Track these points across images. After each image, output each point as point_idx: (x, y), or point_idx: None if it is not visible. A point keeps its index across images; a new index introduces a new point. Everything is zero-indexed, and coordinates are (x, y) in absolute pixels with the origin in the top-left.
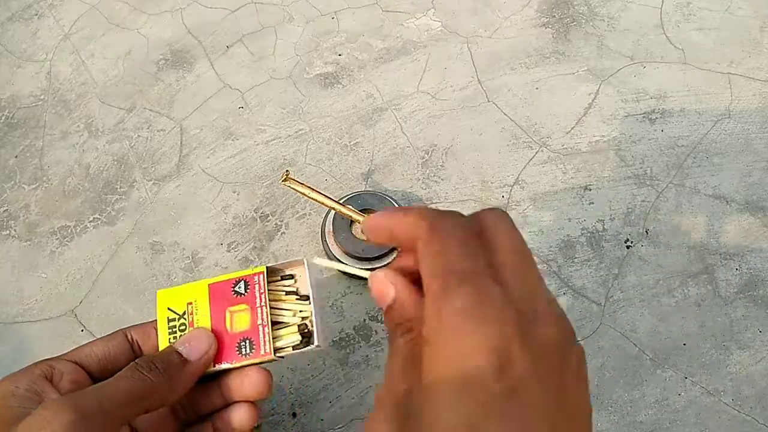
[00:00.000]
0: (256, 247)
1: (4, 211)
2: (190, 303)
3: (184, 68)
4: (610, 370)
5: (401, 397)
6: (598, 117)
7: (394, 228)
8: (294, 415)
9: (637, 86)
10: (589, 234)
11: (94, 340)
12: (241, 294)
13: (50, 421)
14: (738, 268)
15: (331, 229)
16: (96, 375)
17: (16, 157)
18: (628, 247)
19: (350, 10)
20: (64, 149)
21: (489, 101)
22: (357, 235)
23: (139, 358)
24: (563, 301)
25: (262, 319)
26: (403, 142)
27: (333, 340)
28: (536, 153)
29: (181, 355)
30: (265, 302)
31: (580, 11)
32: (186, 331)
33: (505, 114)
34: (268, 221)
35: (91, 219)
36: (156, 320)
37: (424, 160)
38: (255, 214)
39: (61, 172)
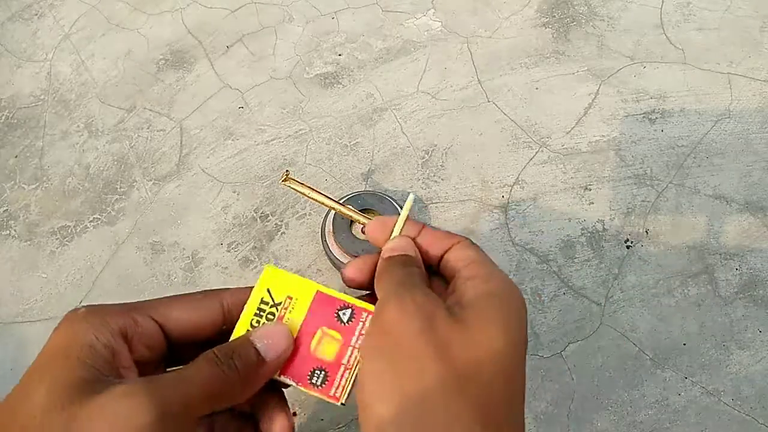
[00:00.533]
0: (256, 247)
1: (4, 211)
2: (291, 298)
3: (184, 68)
4: (609, 370)
5: (441, 302)
6: (598, 117)
7: (421, 239)
8: (294, 414)
9: (637, 86)
10: (589, 234)
11: (184, 297)
12: (342, 322)
13: (131, 415)
14: (738, 268)
15: (331, 229)
16: (173, 340)
17: (16, 157)
18: (628, 247)
19: (350, 10)
20: (64, 149)
21: (489, 101)
22: (357, 235)
23: (217, 347)
24: (563, 301)
25: (349, 361)
26: (403, 142)
27: None
28: (536, 153)
29: (259, 353)
30: (357, 348)
31: (580, 11)
32: (271, 323)
33: (505, 114)
34: (268, 221)
35: (91, 219)
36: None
37: (424, 160)
38: (255, 214)
39: (61, 172)
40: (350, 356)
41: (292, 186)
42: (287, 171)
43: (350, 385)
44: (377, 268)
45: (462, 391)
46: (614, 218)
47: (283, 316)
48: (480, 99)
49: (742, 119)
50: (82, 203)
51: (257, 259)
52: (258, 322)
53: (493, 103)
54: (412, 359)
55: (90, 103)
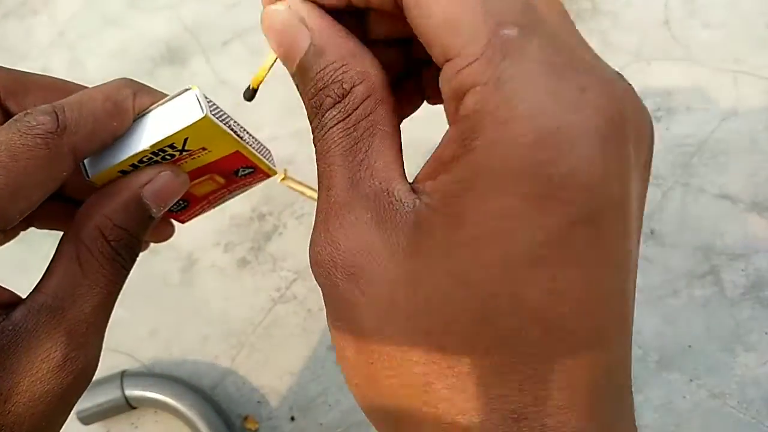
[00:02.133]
0: (253, 248)
1: None
2: (205, 149)
3: (180, 65)
4: None
5: (372, 223)
6: None
7: None
8: (292, 419)
9: (642, 84)
10: None
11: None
12: (235, 174)
13: None
14: (744, 268)
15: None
16: None
17: None
18: None
19: None
20: None
21: None
22: None
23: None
24: None
25: (215, 199)
26: (403, 140)
27: (333, 343)
28: None
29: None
30: (233, 193)
31: (584, 7)
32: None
33: None
34: (265, 221)
35: None
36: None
37: (424, 159)
38: (252, 214)
39: None
40: (218, 196)
41: (290, 185)
42: (285, 170)
43: (198, 215)
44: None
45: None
46: None
47: (182, 162)
48: None
49: (748, 117)
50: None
51: (255, 260)
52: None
53: None
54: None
55: None
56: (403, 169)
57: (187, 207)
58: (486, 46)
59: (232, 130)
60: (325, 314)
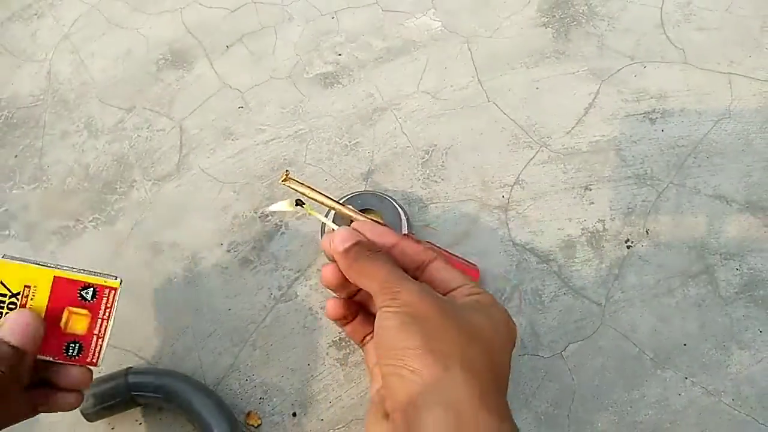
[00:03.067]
0: (255, 248)
1: (4, 210)
2: (29, 286)
3: (183, 68)
4: (610, 371)
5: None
6: (599, 117)
7: (405, 250)
8: (294, 415)
9: (638, 86)
10: (589, 234)
11: None
12: (86, 300)
13: None
14: (738, 268)
15: (331, 230)
16: None
17: (15, 156)
18: (628, 247)
19: (350, 10)
20: (64, 149)
21: (489, 101)
22: None
23: None
24: (563, 301)
25: (100, 331)
26: (403, 141)
27: (333, 341)
28: (536, 153)
29: (13, 346)
30: (109, 317)
31: (581, 11)
32: (14, 312)
33: (505, 114)
34: (267, 221)
35: (90, 219)
36: None
37: (424, 160)
38: (255, 214)
39: (60, 171)
40: (100, 327)
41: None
42: (287, 171)
43: (103, 350)
44: (344, 263)
45: (471, 361)
46: (615, 218)
47: (26, 303)
48: (480, 99)
49: (742, 119)
50: (81, 203)
51: (257, 260)
52: None
53: (494, 102)
54: (429, 325)
55: (89, 103)
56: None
57: (83, 348)
58: (474, 285)
59: (33, 262)
60: (325, 314)
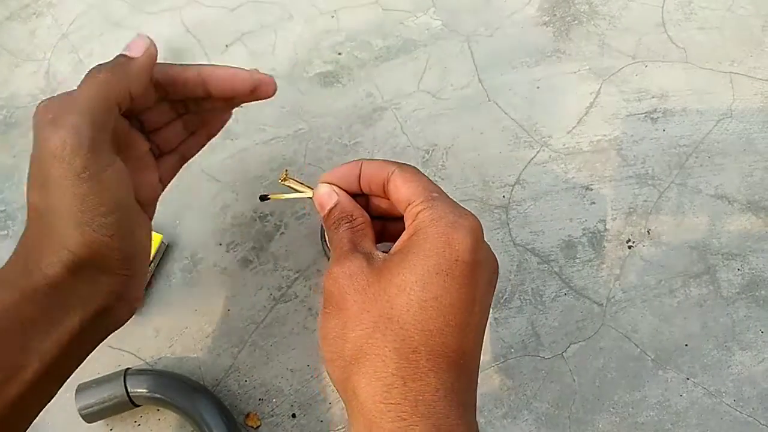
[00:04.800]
0: (255, 248)
1: (1, 211)
2: None
3: None
4: (611, 371)
5: (363, 260)
6: (600, 116)
7: (363, 172)
8: (293, 416)
9: (639, 85)
10: (590, 234)
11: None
12: None
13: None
14: (740, 268)
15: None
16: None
17: (14, 156)
18: (629, 247)
19: (350, 9)
20: None
21: (490, 100)
22: None
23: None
24: (564, 302)
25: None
26: (404, 141)
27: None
28: (537, 152)
29: (125, 55)
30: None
31: (582, 10)
32: None
33: (506, 113)
34: (267, 221)
35: None
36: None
37: (424, 159)
38: (254, 214)
39: None
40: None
41: (291, 185)
42: (286, 170)
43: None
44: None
45: (384, 331)
46: (616, 218)
47: None
48: (481, 98)
49: (744, 119)
50: None
51: (256, 260)
52: None
53: (494, 102)
54: (346, 314)
55: None
56: (376, 247)
57: None
58: (425, 199)
59: None
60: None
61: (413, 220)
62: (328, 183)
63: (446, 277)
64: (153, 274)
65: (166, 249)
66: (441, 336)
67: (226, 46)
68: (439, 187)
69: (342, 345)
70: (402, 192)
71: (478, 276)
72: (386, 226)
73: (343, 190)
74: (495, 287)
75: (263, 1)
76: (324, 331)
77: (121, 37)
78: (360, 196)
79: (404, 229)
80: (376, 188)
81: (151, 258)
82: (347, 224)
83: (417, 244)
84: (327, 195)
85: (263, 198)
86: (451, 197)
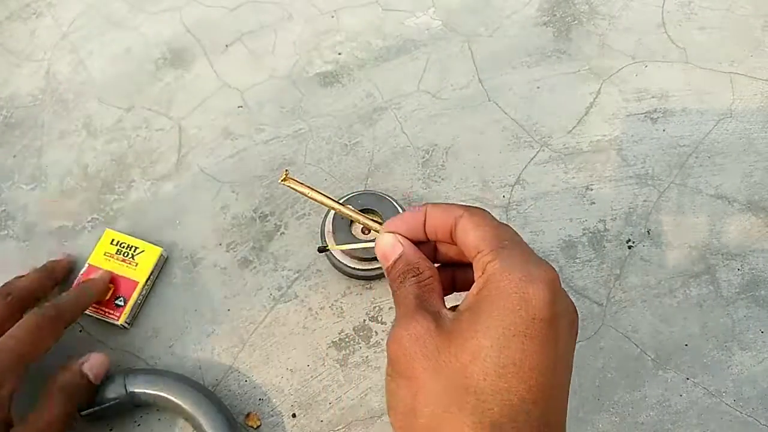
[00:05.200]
0: (255, 248)
1: (2, 211)
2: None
3: (182, 67)
4: (611, 371)
5: (431, 321)
6: (600, 116)
7: (429, 218)
8: (294, 416)
9: (639, 85)
10: (590, 234)
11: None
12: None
13: None
14: (740, 268)
15: (331, 229)
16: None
17: (14, 156)
18: (629, 247)
19: (350, 9)
20: (63, 149)
21: (490, 100)
22: (357, 235)
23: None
24: None
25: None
26: (404, 141)
27: (333, 341)
28: (537, 152)
29: (89, 382)
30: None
31: (582, 10)
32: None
33: (506, 113)
34: (267, 221)
35: (89, 219)
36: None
37: (424, 159)
38: (254, 214)
39: (59, 171)
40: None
41: (291, 186)
42: (287, 170)
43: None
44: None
45: (460, 404)
46: (616, 218)
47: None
48: (481, 98)
49: (744, 119)
50: (80, 203)
51: (256, 260)
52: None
53: (494, 102)
54: (415, 384)
55: (88, 103)
56: (445, 305)
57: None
58: (495, 248)
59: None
60: (325, 312)
61: (483, 272)
62: (392, 232)
63: (524, 339)
64: (153, 284)
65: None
66: (523, 404)
67: (226, 46)
68: (511, 231)
69: (413, 420)
70: (470, 239)
71: (558, 331)
72: (456, 274)
73: (408, 238)
74: (576, 336)
75: (263, 1)
76: (392, 402)
77: (120, 37)
78: (425, 244)
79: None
80: (443, 234)
81: (150, 271)
82: (413, 278)
83: (489, 300)
84: (390, 246)
85: (322, 250)
86: (525, 242)
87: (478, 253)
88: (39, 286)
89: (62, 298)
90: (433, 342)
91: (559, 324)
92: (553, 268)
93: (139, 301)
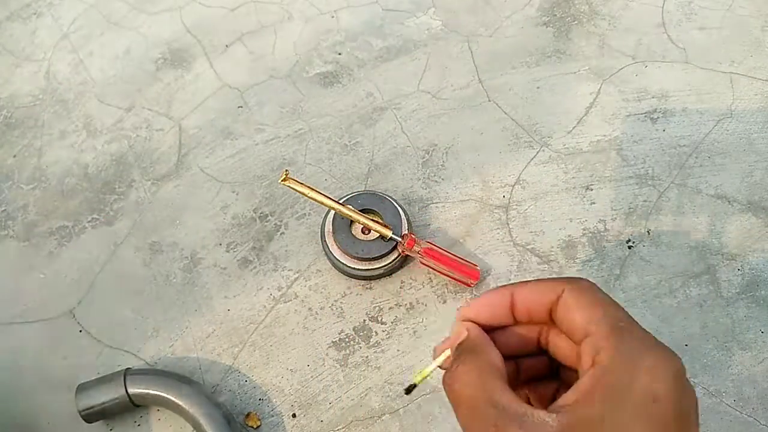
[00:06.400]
0: (255, 248)
1: (2, 211)
2: None
3: (182, 67)
4: None
5: (518, 428)
6: (600, 116)
7: (520, 298)
8: (294, 416)
9: (639, 86)
10: (590, 234)
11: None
12: None
13: None
14: (740, 268)
15: (331, 229)
16: None
17: (14, 156)
18: (629, 247)
19: (350, 9)
20: (63, 149)
21: (490, 100)
22: (357, 236)
23: None
24: None
25: None
26: (404, 141)
27: (333, 341)
28: (537, 153)
29: None
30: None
31: (582, 10)
32: None
33: (506, 113)
34: (267, 221)
35: (89, 219)
36: None
37: (424, 159)
38: (254, 214)
39: (59, 172)
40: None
41: (291, 186)
42: (287, 171)
43: None
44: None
45: None
46: (616, 218)
47: None
48: (481, 98)
49: (744, 119)
50: (80, 203)
51: (256, 260)
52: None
53: (494, 102)
54: None
55: (88, 103)
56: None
57: None
58: (609, 332)
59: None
60: (325, 313)
61: (595, 361)
62: (468, 320)
63: None
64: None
65: (165, 250)
66: None
67: (226, 46)
68: (624, 311)
69: None
70: (577, 319)
71: (689, 426)
72: (518, 364)
73: (487, 325)
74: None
75: (263, 1)
76: None
77: (120, 38)
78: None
79: (543, 366)
80: (539, 315)
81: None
82: (471, 355)
83: (610, 398)
84: (456, 335)
85: (409, 390)
86: (639, 324)
87: (588, 335)
88: None
89: None
90: None
91: (690, 419)
92: (676, 355)
93: None
